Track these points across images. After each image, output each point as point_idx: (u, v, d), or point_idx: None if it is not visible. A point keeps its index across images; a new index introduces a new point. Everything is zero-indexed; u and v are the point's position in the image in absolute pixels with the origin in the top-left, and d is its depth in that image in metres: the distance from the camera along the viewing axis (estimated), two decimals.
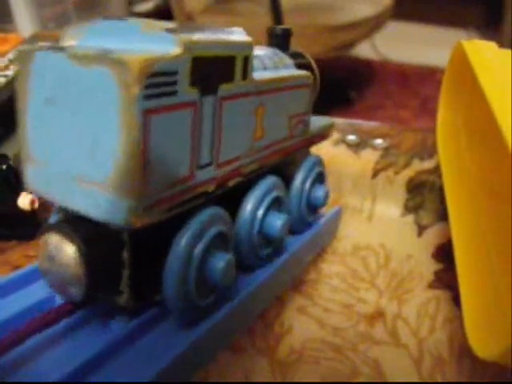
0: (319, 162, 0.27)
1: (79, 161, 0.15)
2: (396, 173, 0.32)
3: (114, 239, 0.16)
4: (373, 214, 0.32)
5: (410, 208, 0.31)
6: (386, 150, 0.33)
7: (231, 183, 0.19)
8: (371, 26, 0.89)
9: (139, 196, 0.15)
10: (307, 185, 0.25)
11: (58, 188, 0.16)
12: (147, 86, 0.14)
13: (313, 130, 0.26)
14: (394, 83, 1.37)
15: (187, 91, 0.16)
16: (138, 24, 0.15)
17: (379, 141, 0.33)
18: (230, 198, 0.21)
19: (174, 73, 0.15)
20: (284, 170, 0.24)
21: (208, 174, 0.18)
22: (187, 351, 0.18)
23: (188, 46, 0.15)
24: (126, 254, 0.16)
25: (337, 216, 0.29)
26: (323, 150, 0.33)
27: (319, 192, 0.26)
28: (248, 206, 0.22)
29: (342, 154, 0.33)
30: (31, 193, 0.24)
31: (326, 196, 0.26)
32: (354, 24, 0.83)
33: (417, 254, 0.29)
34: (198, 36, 0.16)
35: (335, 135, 0.33)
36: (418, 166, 0.32)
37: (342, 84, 1.17)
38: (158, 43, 0.15)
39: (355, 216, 0.32)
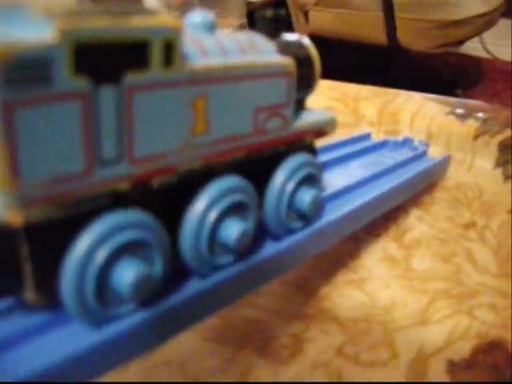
0: (310, 162, 0.23)
1: None
2: (491, 137, 0.44)
3: (13, 235, 0.15)
4: (472, 166, 0.44)
5: (500, 163, 0.43)
6: (485, 121, 0.45)
7: (158, 182, 0.18)
8: (483, 24, 0.86)
9: (11, 191, 0.14)
10: (289, 186, 0.22)
11: None
12: (5, 78, 0.13)
13: (301, 125, 0.23)
14: (503, 83, 1.37)
15: (69, 81, 0.14)
16: (32, 9, 0.14)
17: (480, 114, 0.45)
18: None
19: (46, 62, 0.13)
20: (263, 168, 0.22)
21: (116, 171, 0.16)
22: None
23: (66, 33, 0.14)
24: (24, 250, 0.15)
25: (446, 161, 0.42)
26: (438, 119, 0.46)
27: (305, 196, 0.23)
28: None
29: (452, 121, 0.45)
30: None
31: (314, 201, 0.23)
32: (465, 21, 0.81)
33: (502, 192, 0.41)
34: (88, 21, 0.14)
35: (447, 108, 0.46)
36: (508, 133, 0.44)
37: (448, 81, 1.22)
38: (36, 29, 0.14)
39: (459, 167, 0.44)
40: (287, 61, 0.21)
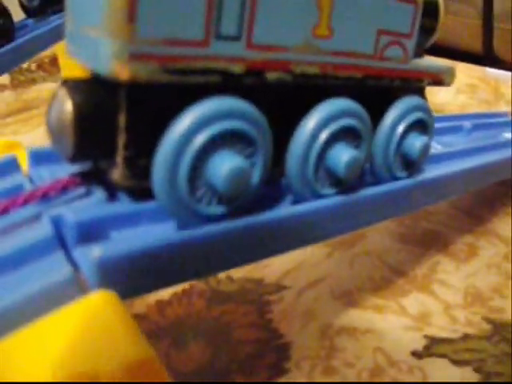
0: (423, 107, 0.22)
1: (87, 10, 0.14)
2: None
3: (113, 99, 0.14)
4: None
5: None
6: None
7: (272, 76, 0.17)
8: None
9: (124, 38, 0.13)
10: (400, 129, 0.21)
11: (75, 43, 0.15)
12: None
13: (420, 64, 0.22)
14: None
15: None
16: None
17: None
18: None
19: None
20: (376, 103, 0.21)
21: (232, 50, 0.15)
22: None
23: None
24: (121, 118, 0.14)
25: None
26: None
27: (415, 142, 0.21)
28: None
29: None
30: None
31: (423, 148, 0.21)
32: None
33: None
34: None
35: None
36: None
37: None
38: None
39: None
40: None
